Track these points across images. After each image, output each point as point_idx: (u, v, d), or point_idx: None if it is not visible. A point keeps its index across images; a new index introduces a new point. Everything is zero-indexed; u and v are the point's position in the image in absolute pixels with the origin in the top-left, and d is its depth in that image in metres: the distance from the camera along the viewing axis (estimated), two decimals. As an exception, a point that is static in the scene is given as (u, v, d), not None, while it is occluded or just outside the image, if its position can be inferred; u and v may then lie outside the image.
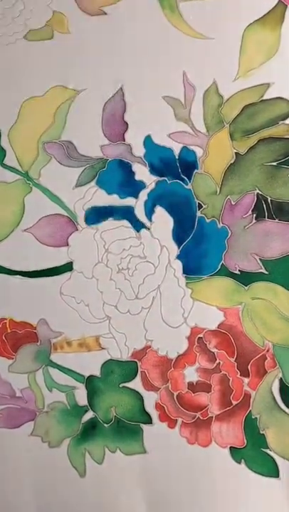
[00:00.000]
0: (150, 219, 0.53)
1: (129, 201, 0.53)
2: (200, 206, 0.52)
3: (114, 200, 0.53)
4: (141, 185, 0.53)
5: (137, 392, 0.54)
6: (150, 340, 0.54)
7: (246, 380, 0.52)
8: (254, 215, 0.51)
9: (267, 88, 0.49)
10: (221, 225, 0.51)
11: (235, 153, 0.50)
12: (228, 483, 0.53)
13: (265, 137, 0.50)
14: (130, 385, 0.54)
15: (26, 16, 0.55)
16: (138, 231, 0.53)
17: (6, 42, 0.55)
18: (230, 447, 0.53)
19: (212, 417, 0.53)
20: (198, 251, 0.52)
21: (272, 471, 0.52)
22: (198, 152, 0.51)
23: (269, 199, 0.50)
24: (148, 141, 0.52)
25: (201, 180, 0.51)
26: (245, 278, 0.51)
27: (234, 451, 0.52)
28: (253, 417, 0.52)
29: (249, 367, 0.52)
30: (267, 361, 0.51)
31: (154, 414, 0.54)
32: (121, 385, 0.55)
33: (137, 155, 0.52)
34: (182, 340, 0.53)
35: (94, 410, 0.55)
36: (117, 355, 0.54)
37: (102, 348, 0.55)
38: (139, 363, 0.54)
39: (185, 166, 0.51)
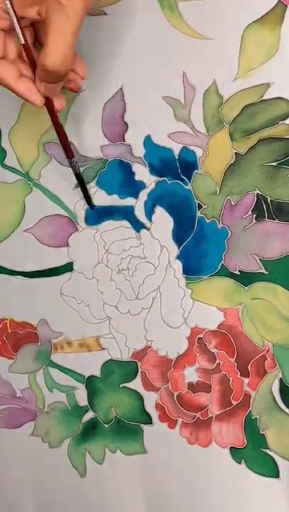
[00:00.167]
0: (150, 219, 0.53)
1: (129, 201, 0.53)
2: (200, 206, 0.52)
3: (115, 200, 0.53)
4: (141, 186, 0.53)
5: (137, 393, 0.54)
6: (150, 341, 0.54)
7: (246, 380, 0.52)
8: (254, 216, 0.51)
9: (267, 88, 0.49)
10: (221, 225, 0.51)
11: (235, 153, 0.50)
12: (228, 483, 0.53)
13: (265, 137, 0.50)
14: (130, 385, 0.54)
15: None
16: (138, 231, 0.53)
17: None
18: (231, 447, 0.53)
19: (212, 417, 0.53)
20: (198, 251, 0.52)
21: (272, 471, 0.52)
22: (198, 152, 0.51)
23: (269, 199, 0.50)
24: (148, 141, 0.52)
25: (201, 181, 0.51)
26: (245, 278, 0.51)
27: (234, 451, 0.52)
28: (253, 417, 0.52)
29: (249, 367, 0.52)
30: (267, 361, 0.51)
31: (154, 414, 0.54)
32: (121, 385, 0.55)
33: (137, 155, 0.52)
34: (182, 341, 0.53)
35: (94, 410, 0.55)
36: (117, 355, 0.54)
37: (103, 349, 0.55)
38: (139, 363, 0.54)
39: (185, 166, 0.51)
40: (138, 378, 0.54)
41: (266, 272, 0.51)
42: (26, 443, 0.57)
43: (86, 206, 0.54)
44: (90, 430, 0.56)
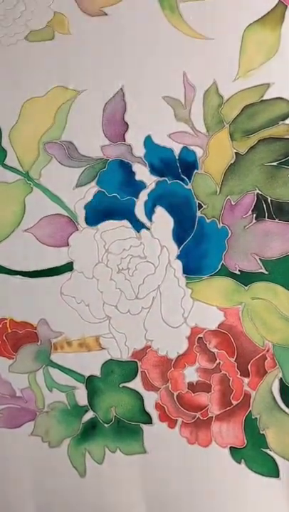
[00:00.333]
0: (150, 219, 0.53)
1: (129, 201, 0.53)
2: (200, 206, 0.52)
3: (115, 200, 0.53)
4: (141, 186, 0.53)
5: (137, 392, 0.54)
6: (150, 340, 0.54)
7: (246, 380, 0.52)
8: (254, 215, 0.51)
9: (267, 88, 0.49)
10: (221, 225, 0.51)
11: (235, 153, 0.50)
12: (228, 483, 0.53)
13: (265, 137, 0.50)
14: (130, 385, 0.54)
15: (27, 16, 0.55)
16: (138, 231, 0.53)
17: (7, 43, 0.55)
18: (231, 447, 0.52)
19: (212, 417, 0.53)
20: (199, 251, 0.52)
21: (272, 471, 0.52)
22: (198, 152, 0.51)
23: (269, 199, 0.50)
24: (148, 141, 0.52)
25: (201, 181, 0.51)
26: (245, 278, 0.51)
27: (234, 451, 0.52)
28: (253, 417, 0.52)
29: (249, 367, 0.52)
30: (267, 361, 0.51)
31: (154, 414, 0.54)
32: (121, 385, 0.55)
33: (137, 155, 0.52)
34: (182, 340, 0.53)
35: (94, 410, 0.55)
36: (117, 355, 0.54)
37: (102, 348, 0.55)
38: (139, 363, 0.54)
39: (185, 166, 0.52)
40: (138, 378, 0.54)
41: (266, 272, 0.51)
42: (26, 443, 0.57)
43: (86, 206, 0.54)
44: (90, 430, 0.56)
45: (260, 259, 0.51)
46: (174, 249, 0.52)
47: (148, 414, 0.54)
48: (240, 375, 0.52)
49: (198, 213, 0.52)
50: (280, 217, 0.50)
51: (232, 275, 0.51)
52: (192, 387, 0.53)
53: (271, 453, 0.52)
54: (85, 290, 0.54)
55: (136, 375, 0.54)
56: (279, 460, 0.51)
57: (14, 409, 0.57)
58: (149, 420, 0.54)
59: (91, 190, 0.54)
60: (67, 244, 0.55)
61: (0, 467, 0.58)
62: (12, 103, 0.54)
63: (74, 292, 0.55)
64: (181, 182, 0.52)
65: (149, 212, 0.53)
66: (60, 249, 0.55)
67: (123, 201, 0.53)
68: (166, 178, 0.52)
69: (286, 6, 0.48)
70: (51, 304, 0.55)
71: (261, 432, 0.52)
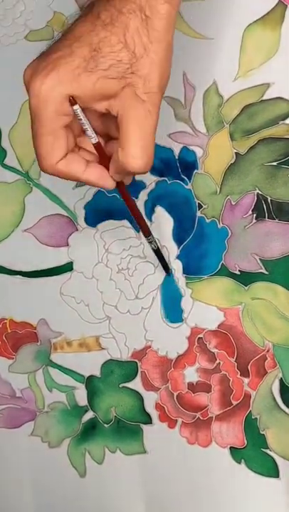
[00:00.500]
0: (150, 219, 0.53)
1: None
2: (200, 206, 0.52)
3: (115, 200, 0.53)
4: (141, 185, 0.53)
5: (137, 393, 0.54)
6: (150, 341, 0.54)
7: (246, 380, 0.52)
8: (254, 215, 0.51)
9: (267, 88, 0.49)
10: (221, 225, 0.51)
11: (235, 153, 0.50)
12: (228, 483, 0.53)
13: (265, 137, 0.50)
14: (130, 385, 0.54)
15: (27, 16, 0.55)
16: (138, 231, 0.53)
17: (7, 42, 0.55)
18: (230, 447, 0.52)
19: (212, 417, 0.53)
20: (199, 251, 0.52)
21: (272, 471, 0.52)
22: (198, 152, 0.51)
23: (269, 199, 0.50)
24: (148, 141, 0.52)
25: (201, 181, 0.51)
26: (245, 278, 0.51)
27: (234, 451, 0.52)
28: (253, 417, 0.52)
29: (249, 367, 0.52)
30: (267, 361, 0.51)
31: (154, 414, 0.54)
32: (121, 385, 0.55)
33: (137, 155, 0.52)
34: (182, 341, 0.53)
35: (94, 410, 0.55)
36: (117, 355, 0.54)
37: (102, 348, 0.55)
38: (139, 363, 0.54)
39: (185, 166, 0.52)
40: (138, 378, 0.54)
41: (266, 272, 0.51)
42: (26, 443, 0.57)
43: (86, 206, 0.54)
44: (90, 430, 0.55)
45: (260, 259, 0.51)
46: (174, 249, 0.52)
47: (148, 415, 0.54)
48: (240, 375, 0.52)
49: (198, 213, 0.52)
50: (280, 217, 0.50)
51: (232, 275, 0.51)
52: (192, 387, 0.53)
53: (271, 453, 0.52)
54: (85, 290, 0.54)
55: (136, 375, 0.54)
56: (279, 460, 0.51)
57: (14, 410, 0.57)
58: (149, 420, 0.54)
59: (91, 190, 0.54)
60: (67, 244, 0.55)
61: (0, 467, 0.58)
62: (12, 103, 0.54)
63: (74, 292, 0.55)
64: (181, 182, 0.52)
65: (149, 212, 0.53)
66: (60, 249, 0.55)
67: (123, 201, 0.53)
68: (166, 178, 0.52)
69: (286, 5, 0.48)
70: (51, 304, 0.55)
71: (261, 432, 0.52)
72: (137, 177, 0.52)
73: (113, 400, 0.55)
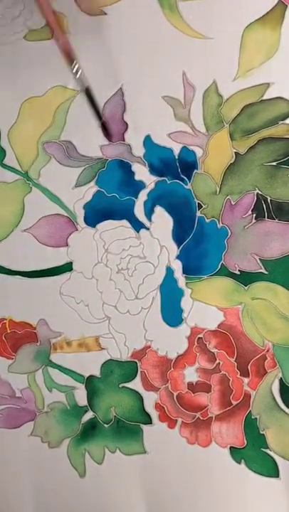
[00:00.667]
0: (150, 219, 0.53)
1: (128, 201, 0.53)
2: (200, 206, 0.52)
3: (114, 200, 0.53)
4: (140, 185, 0.53)
5: (137, 393, 0.54)
6: (150, 341, 0.54)
7: (246, 380, 0.52)
8: (254, 215, 0.51)
9: (267, 88, 0.49)
10: (221, 225, 0.51)
11: (235, 153, 0.50)
12: (228, 483, 0.53)
13: (264, 137, 0.50)
14: (130, 385, 0.54)
15: (26, 16, 0.55)
16: (138, 231, 0.53)
17: (6, 42, 0.55)
18: (230, 447, 0.52)
19: (212, 417, 0.53)
20: (198, 251, 0.52)
21: (272, 471, 0.52)
22: (198, 152, 0.51)
23: (269, 199, 0.50)
24: (148, 141, 0.52)
25: (201, 180, 0.51)
26: (245, 278, 0.51)
27: (234, 451, 0.52)
28: (253, 417, 0.52)
29: (249, 367, 0.52)
30: (267, 361, 0.51)
31: (154, 414, 0.54)
32: (121, 385, 0.55)
33: (137, 155, 0.52)
34: (182, 341, 0.53)
35: (94, 410, 0.55)
36: (116, 355, 0.54)
37: (102, 348, 0.55)
38: (138, 363, 0.54)
39: (185, 166, 0.51)
40: (138, 378, 0.54)
41: (266, 272, 0.51)
42: (25, 443, 0.57)
43: (85, 206, 0.54)
44: (90, 430, 0.55)
45: (260, 259, 0.51)
46: (174, 249, 0.52)
47: (148, 415, 0.54)
48: (240, 375, 0.52)
49: (198, 213, 0.52)
50: (280, 217, 0.50)
51: (232, 275, 0.51)
52: (192, 387, 0.53)
53: (271, 453, 0.52)
54: (85, 290, 0.54)
55: (136, 375, 0.54)
56: (279, 460, 0.51)
57: (14, 410, 0.57)
58: (148, 420, 0.54)
59: (90, 190, 0.54)
60: (67, 245, 0.55)
61: (0, 467, 0.58)
62: (11, 103, 0.54)
63: (73, 292, 0.55)
64: (180, 182, 0.52)
65: (149, 212, 0.53)
66: (59, 249, 0.55)
67: (122, 201, 0.53)
68: (165, 178, 0.52)
69: (286, 5, 0.48)
70: (51, 304, 0.55)
71: (261, 432, 0.52)
72: (137, 177, 0.52)
73: (113, 400, 0.55)
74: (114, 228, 0.53)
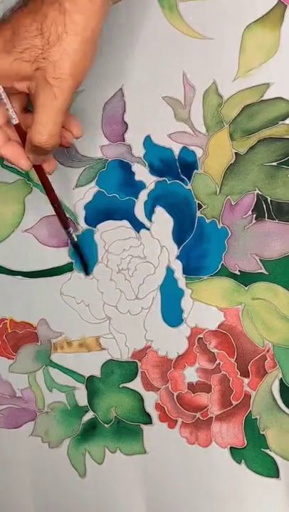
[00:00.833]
0: (150, 219, 0.53)
1: (129, 201, 0.53)
2: (200, 206, 0.52)
3: (114, 200, 0.53)
4: (141, 186, 0.53)
5: (137, 393, 0.54)
6: (150, 341, 0.54)
7: (246, 380, 0.52)
8: (254, 216, 0.51)
9: (267, 88, 0.49)
10: (221, 225, 0.51)
11: (235, 153, 0.50)
12: (228, 483, 0.53)
13: (264, 137, 0.50)
14: (130, 385, 0.54)
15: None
16: (138, 231, 0.53)
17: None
18: (231, 447, 0.52)
19: (212, 417, 0.53)
20: (198, 251, 0.52)
21: (272, 471, 0.52)
22: (198, 152, 0.51)
23: (269, 199, 0.50)
24: (148, 141, 0.52)
25: (201, 181, 0.51)
26: (245, 278, 0.51)
27: (234, 452, 0.52)
28: (253, 418, 0.52)
29: (249, 367, 0.52)
30: (267, 361, 0.51)
31: (154, 414, 0.54)
32: (121, 386, 0.55)
33: (137, 155, 0.52)
34: (182, 341, 0.53)
35: (94, 410, 0.55)
36: (117, 355, 0.54)
37: (103, 349, 0.55)
38: (139, 364, 0.54)
39: (185, 166, 0.51)
40: (138, 378, 0.54)
41: (266, 272, 0.51)
42: (26, 443, 0.57)
43: (86, 206, 0.54)
44: (90, 430, 0.56)
45: (260, 259, 0.51)
46: (174, 250, 0.52)
47: (148, 415, 0.54)
48: (240, 375, 0.52)
49: (198, 213, 0.52)
50: (280, 217, 0.50)
51: (232, 275, 0.51)
52: (192, 387, 0.53)
53: (271, 453, 0.52)
54: (85, 290, 0.54)
55: (136, 376, 0.54)
56: (279, 460, 0.51)
57: (14, 410, 0.57)
58: (149, 420, 0.54)
59: (91, 190, 0.54)
60: (67, 245, 0.55)
61: (0, 467, 0.58)
62: (11, 103, 0.54)
63: (74, 292, 0.55)
64: (180, 182, 0.52)
65: (149, 213, 0.53)
66: (60, 249, 0.55)
67: (123, 201, 0.53)
68: (165, 178, 0.52)
69: (286, 5, 0.48)
70: (51, 304, 0.55)
71: (261, 432, 0.52)
72: (137, 177, 0.52)
73: (113, 400, 0.55)
74: (114, 228, 0.53)
